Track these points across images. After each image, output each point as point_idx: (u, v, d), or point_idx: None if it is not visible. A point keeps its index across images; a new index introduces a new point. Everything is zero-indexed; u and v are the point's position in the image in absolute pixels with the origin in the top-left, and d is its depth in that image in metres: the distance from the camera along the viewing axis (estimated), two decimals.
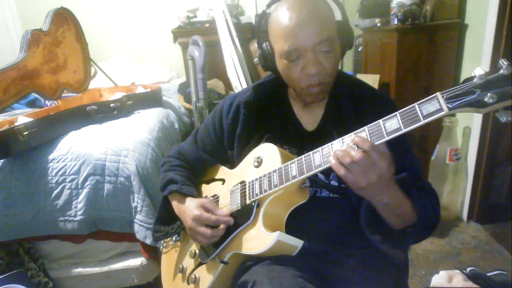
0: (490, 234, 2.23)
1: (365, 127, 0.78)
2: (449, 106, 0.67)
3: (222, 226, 1.00)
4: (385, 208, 0.87)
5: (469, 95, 0.67)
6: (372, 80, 2.56)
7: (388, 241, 0.91)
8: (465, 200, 2.38)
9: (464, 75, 2.31)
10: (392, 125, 0.74)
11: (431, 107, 0.69)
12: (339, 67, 1.03)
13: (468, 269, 1.81)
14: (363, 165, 0.75)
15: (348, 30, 0.99)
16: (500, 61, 0.65)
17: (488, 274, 1.78)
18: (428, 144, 2.48)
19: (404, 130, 0.72)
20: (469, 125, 2.29)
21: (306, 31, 0.89)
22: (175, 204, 1.14)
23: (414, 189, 0.90)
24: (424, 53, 2.33)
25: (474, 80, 0.67)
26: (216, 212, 1.03)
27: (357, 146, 0.76)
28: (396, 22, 2.34)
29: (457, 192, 2.37)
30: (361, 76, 2.61)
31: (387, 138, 0.74)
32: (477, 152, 2.24)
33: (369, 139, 0.76)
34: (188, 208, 1.06)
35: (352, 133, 0.80)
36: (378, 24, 2.58)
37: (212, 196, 1.15)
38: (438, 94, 0.69)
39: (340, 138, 0.82)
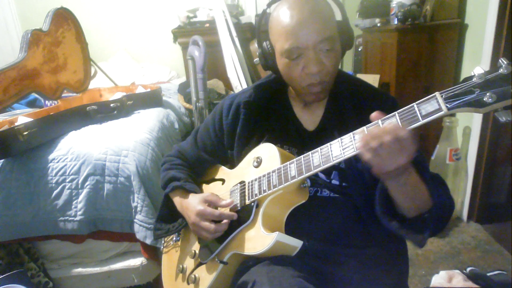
0: (490, 234, 2.23)
1: (364, 127, 0.78)
2: (448, 106, 0.67)
3: (225, 220, 1.01)
4: (401, 189, 0.83)
5: (468, 95, 0.66)
6: (372, 80, 2.56)
7: (406, 227, 0.88)
8: (465, 200, 2.38)
9: (464, 75, 2.31)
10: (390, 125, 0.74)
11: (430, 107, 0.69)
12: (339, 67, 1.03)
13: (468, 269, 1.81)
14: (394, 149, 0.71)
15: (348, 30, 0.99)
16: (499, 60, 0.65)
17: (488, 274, 1.78)
18: (428, 144, 2.47)
19: None
20: (469, 125, 2.29)
21: (308, 30, 0.89)
22: (177, 200, 1.14)
23: (426, 173, 0.89)
24: (424, 53, 2.33)
25: (473, 80, 0.67)
26: (219, 203, 1.03)
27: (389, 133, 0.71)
28: (396, 22, 2.35)
29: (457, 192, 2.37)
30: (361, 76, 2.60)
31: None
32: (477, 152, 2.23)
33: (399, 124, 0.73)
34: (192, 204, 1.06)
35: (351, 133, 0.80)
36: (378, 24, 2.58)
37: None
38: (437, 93, 0.69)
39: (339, 138, 0.82)
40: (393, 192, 0.85)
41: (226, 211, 1.03)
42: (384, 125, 0.74)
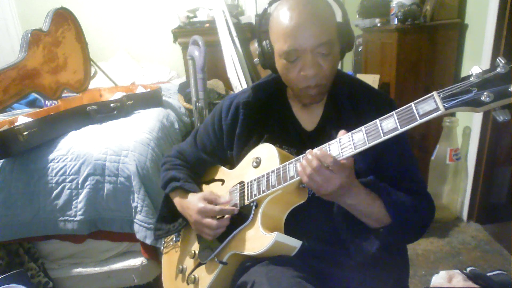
0: (490, 234, 2.23)
1: (362, 127, 0.78)
2: (445, 105, 0.67)
3: (227, 216, 1.01)
4: (351, 208, 0.89)
5: (465, 94, 0.66)
6: (372, 80, 2.56)
7: (359, 238, 0.93)
8: (465, 200, 2.38)
9: (464, 75, 2.30)
10: (388, 124, 0.74)
11: (427, 106, 0.69)
12: (339, 67, 1.03)
13: (468, 269, 1.81)
14: (325, 176, 0.80)
15: (349, 32, 0.99)
16: (497, 59, 0.64)
17: (488, 274, 1.77)
18: (428, 144, 2.47)
19: (400, 130, 0.72)
20: (469, 125, 2.29)
21: (306, 33, 0.89)
22: (177, 200, 1.15)
23: (385, 193, 0.91)
24: (424, 53, 2.32)
25: (470, 79, 0.67)
26: (219, 201, 1.05)
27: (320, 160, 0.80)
28: (396, 22, 2.34)
29: (457, 192, 2.37)
30: (361, 76, 2.61)
31: (383, 138, 0.74)
32: (477, 152, 2.23)
33: (350, 149, 0.80)
34: (192, 203, 1.07)
35: (350, 133, 0.80)
36: (378, 24, 2.58)
37: None
38: (434, 93, 0.69)
39: (338, 138, 0.82)
40: (346, 208, 0.90)
41: (225, 207, 1.04)
42: (315, 151, 0.83)
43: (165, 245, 1.31)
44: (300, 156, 0.88)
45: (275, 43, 0.97)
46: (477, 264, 1.98)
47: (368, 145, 0.77)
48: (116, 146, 1.70)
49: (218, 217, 1.03)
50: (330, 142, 0.84)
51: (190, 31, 3.03)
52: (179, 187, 1.14)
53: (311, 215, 1.00)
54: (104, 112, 1.99)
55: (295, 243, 0.92)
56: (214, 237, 1.03)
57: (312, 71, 0.92)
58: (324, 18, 0.92)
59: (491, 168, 2.24)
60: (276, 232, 0.88)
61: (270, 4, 1.03)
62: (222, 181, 1.17)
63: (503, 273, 1.78)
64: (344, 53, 1.01)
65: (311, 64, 0.91)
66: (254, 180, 0.99)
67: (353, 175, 0.85)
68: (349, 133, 0.81)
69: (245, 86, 2.69)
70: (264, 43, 1.02)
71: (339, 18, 0.99)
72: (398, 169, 0.97)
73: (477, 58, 2.16)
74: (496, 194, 2.31)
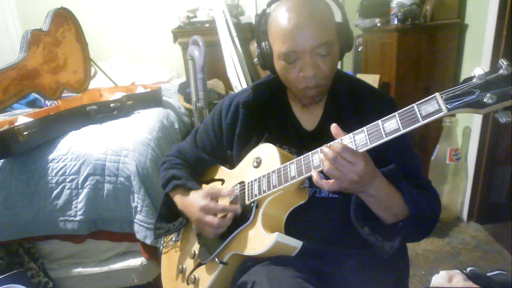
0: (490, 234, 2.23)
1: (364, 128, 0.78)
2: (448, 106, 0.67)
3: (229, 215, 1.00)
4: (372, 200, 0.87)
5: (468, 96, 0.66)
6: (372, 80, 2.56)
7: (378, 234, 0.91)
8: (465, 200, 2.38)
9: (464, 75, 2.31)
10: (391, 125, 0.74)
11: (430, 107, 0.69)
12: (339, 67, 1.03)
13: (468, 269, 1.81)
14: (345, 165, 0.78)
15: (348, 33, 0.98)
16: (499, 61, 0.64)
17: (488, 274, 1.78)
18: (428, 144, 2.47)
19: (403, 131, 0.72)
20: (469, 125, 2.29)
21: (305, 34, 0.89)
22: (178, 198, 1.14)
23: (405, 184, 0.90)
24: (424, 53, 2.33)
25: (473, 80, 0.67)
26: (221, 194, 1.04)
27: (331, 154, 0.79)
28: (396, 22, 2.34)
29: (457, 192, 2.37)
30: (361, 76, 2.61)
31: (386, 139, 0.74)
32: (477, 152, 2.23)
33: (354, 145, 0.79)
34: (194, 200, 1.06)
35: (351, 133, 0.80)
36: (378, 24, 2.58)
37: None
38: (437, 94, 0.69)
39: (340, 139, 0.82)
40: (365, 201, 0.89)
41: (228, 205, 1.03)
42: (332, 144, 0.81)
43: (164, 245, 1.31)
44: (301, 156, 0.88)
45: (274, 44, 0.97)
46: (477, 264, 1.98)
47: (370, 146, 0.77)
48: (116, 146, 1.70)
49: (220, 215, 1.03)
50: (331, 143, 0.83)
51: (190, 31, 3.02)
52: (180, 185, 1.13)
53: (311, 216, 1.00)
54: (104, 112, 1.99)
55: (295, 244, 0.92)
56: (215, 236, 1.02)
57: (311, 72, 0.91)
58: (323, 19, 0.91)
59: (491, 168, 2.24)
60: (277, 233, 0.88)
61: (269, 5, 1.03)
62: (222, 181, 1.17)
63: (503, 273, 1.78)
64: (344, 53, 1.01)
65: (310, 65, 0.91)
66: (255, 180, 0.99)
67: (373, 165, 0.84)
68: (351, 133, 0.80)
69: (245, 86, 2.69)
70: (263, 44, 1.01)
71: (338, 18, 0.99)
72: (402, 167, 0.97)
73: (477, 58, 2.16)
74: (496, 194, 2.31)
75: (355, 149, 0.79)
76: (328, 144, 0.82)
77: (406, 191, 0.89)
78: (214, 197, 1.04)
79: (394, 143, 0.81)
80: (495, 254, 2.07)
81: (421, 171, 1.02)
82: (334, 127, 0.82)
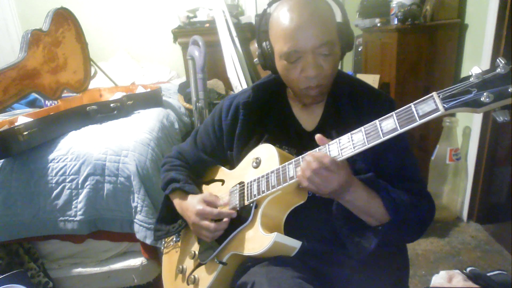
0: (490, 234, 2.23)
1: (362, 128, 0.79)
2: (445, 106, 0.67)
3: (225, 219, 1.01)
4: (350, 204, 0.89)
5: (465, 95, 0.66)
6: (372, 80, 2.56)
7: (355, 234, 0.92)
8: (465, 200, 2.38)
9: (464, 75, 2.30)
10: (388, 125, 0.74)
11: (427, 107, 0.69)
12: (339, 67, 1.03)
13: (468, 269, 1.80)
14: (324, 176, 0.81)
15: (348, 32, 0.99)
16: (497, 60, 0.64)
17: (488, 274, 1.77)
18: (428, 144, 2.47)
19: (400, 130, 0.72)
20: (469, 125, 2.29)
21: (307, 34, 0.89)
22: (177, 202, 1.15)
23: (384, 192, 0.91)
24: (424, 53, 2.33)
25: (470, 79, 0.67)
26: (218, 203, 1.05)
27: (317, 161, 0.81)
28: (396, 22, 2.34)
29: (457, 192, 2.37)
30: (361, 76, 2.61)
31: (383, 139, 0.74)
32: (477, 152, 2.23)
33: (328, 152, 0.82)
34: (191, 204, 1.07)
35: (349, 133, 0.80)
36: (378, 24, 2.58)
37: None
38: (434, 94, 0.69)
39: (338, 139, 0.82)
40: (343, 204, 0.90)
41: (225, 209, 1.03)
42: (312, 152, 0.84)
43: (165, 245, 1.31)
44: (300, 156, 0.88)
45: (275, 44, 0.97)
46: (477, 264, 1.98)
47: (367, 146, 0.77)
48: (116, 146, 1.70)
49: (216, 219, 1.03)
50: (330, 142, 0.84)
51: (190, 31, 3.03)
52: (178, 188, 1.14)
53: (310, 216, 1.00)
54: (104, 112, 1.99)
55: (294, 244, 0.92)
56: (212, 239, 1.03)
57: (313, 71, 0.91)
58: (324, 19, 0.91)
59: (491, 168, 2.24)
60: (275, 233, 0.88)
61: (269, 4, 1.03)
62: (222, 181, 1.17)
63: (503, 273, 1.78)
64: (344, 53, 1.01)
65: (312, 65, 0.91)
66: (254, 180, 0.99)
67: (351, 173, 0.86)
68: (349, 133, 0.81)
69: (245, 86, 2.69)
70: (264, 44, 1.01)
71: (338, 18, 0.99)
72: (398, 169, 0.97)
73: (477, 58, 2.16)
74: (496, 194, 2.31)
75: (353, 149, 0.79)
76: (304, 155, 0.85)
77: (387, 198, 0.90)
78: (211, 205, 1.05)
79: (392, 144, 0.81)
80: (495, 254, 2.07)
81: (418, 174, 1.01)
82: (319, 139, 0.86)
